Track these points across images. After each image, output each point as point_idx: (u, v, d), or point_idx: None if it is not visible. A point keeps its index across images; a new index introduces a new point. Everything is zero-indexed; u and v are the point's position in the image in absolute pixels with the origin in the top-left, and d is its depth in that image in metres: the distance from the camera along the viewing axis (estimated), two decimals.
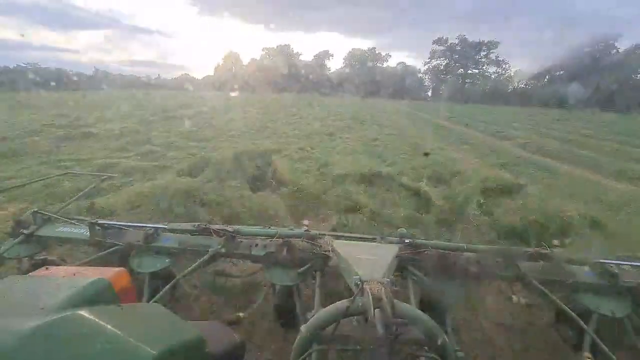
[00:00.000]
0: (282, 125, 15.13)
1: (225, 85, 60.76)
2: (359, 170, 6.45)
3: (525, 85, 68.66)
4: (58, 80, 50.19)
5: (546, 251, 1.88)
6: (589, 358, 1.48)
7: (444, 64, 75.79)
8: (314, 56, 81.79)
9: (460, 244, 2.05)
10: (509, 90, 67.96)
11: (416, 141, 11.81)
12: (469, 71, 73.73)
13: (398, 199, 5.51)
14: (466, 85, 70.74)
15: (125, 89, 48.64)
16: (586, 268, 1.85)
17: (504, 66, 70.72)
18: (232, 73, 73.03)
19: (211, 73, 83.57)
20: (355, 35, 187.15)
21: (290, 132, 12.96)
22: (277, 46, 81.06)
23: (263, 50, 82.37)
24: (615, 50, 57.20)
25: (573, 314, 1.63)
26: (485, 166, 8.07)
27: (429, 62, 77.33)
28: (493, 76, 72.80)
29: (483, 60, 72.30)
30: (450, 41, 74.26)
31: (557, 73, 61.84)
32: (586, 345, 1.55)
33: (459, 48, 73.52)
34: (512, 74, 71.93)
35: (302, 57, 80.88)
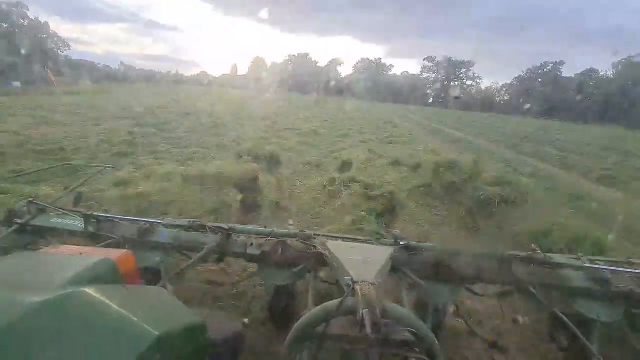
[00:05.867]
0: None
1: (258, 86, 66.01)
2: None
3: (510, 97, 76.25)
4: (90, 73, 49.77)
5: (540, 255, 1.73)
6: None
7: (432, 77, 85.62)
8: (329, 62, 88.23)
9: (455, 247, 1.89)
10: (498, 101, 76.41)
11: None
12: (451, 84, 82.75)
13: None
14: (462, 95, 78.53)
15: (157, 85, 47.81)
16: (578, 273, 1.70)
17: (477, 81, 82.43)
18: (265, 75, 79.95)
19: (227, 71, 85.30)
20: (369, 41, 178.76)
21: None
22: (297, 54, 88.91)
23: (287, 57, 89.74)
24: (560, 73, 67.57)
25: (567, 320, 1.51)
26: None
27: (420, 75, 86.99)
28: (484, 87, 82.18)
29: (462, 76, 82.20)
30: (437, 59, 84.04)
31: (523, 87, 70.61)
32: (587, 352, 1.43)
33: (445, 65, 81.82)
34: (498, 87, 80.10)
35: (317, 64, 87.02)
